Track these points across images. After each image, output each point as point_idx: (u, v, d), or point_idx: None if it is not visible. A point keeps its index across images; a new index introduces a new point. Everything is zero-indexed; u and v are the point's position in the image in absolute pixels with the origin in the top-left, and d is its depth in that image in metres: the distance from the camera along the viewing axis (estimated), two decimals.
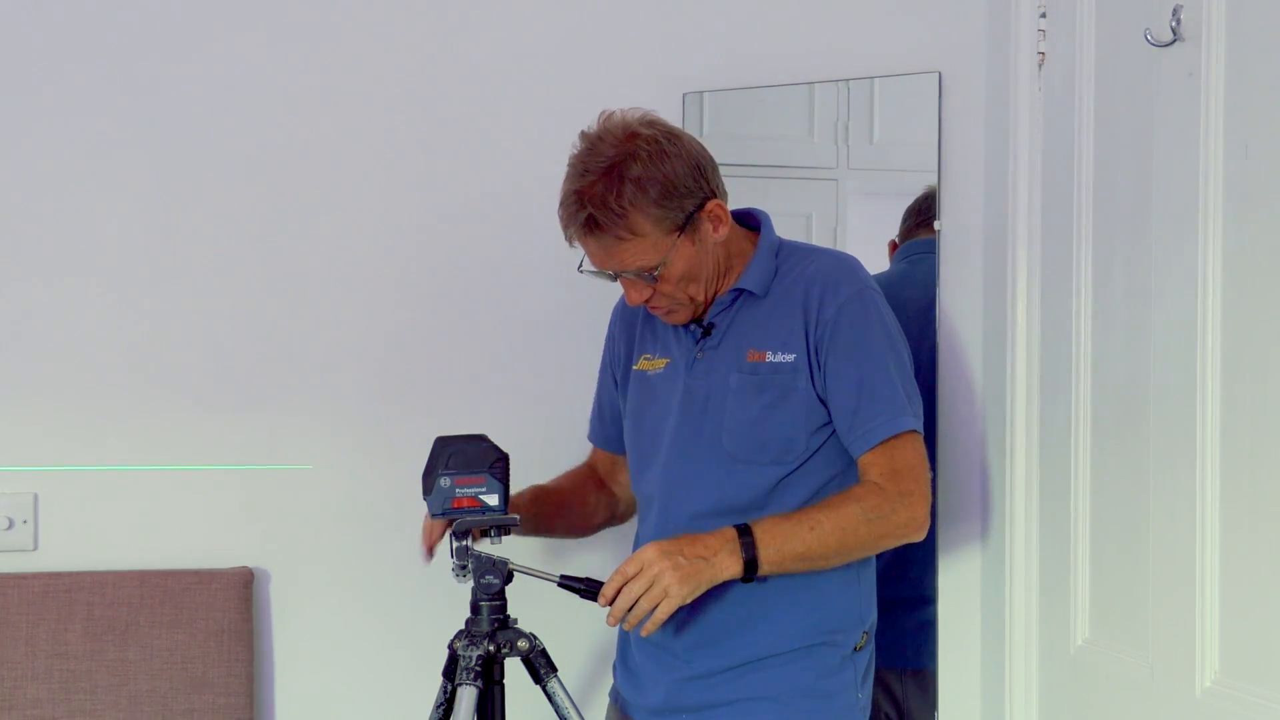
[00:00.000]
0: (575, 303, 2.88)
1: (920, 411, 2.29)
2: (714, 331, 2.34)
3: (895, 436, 2.24)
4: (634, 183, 2.20)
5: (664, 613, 2.15)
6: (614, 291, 2.59)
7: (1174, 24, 2.00)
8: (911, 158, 2.70)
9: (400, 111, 2.89)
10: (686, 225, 2.25)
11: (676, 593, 2.14)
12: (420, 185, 2.90)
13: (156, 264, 2.87)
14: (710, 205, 2.27)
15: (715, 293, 2.33)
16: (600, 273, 2.31)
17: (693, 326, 2.37)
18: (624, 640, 2.45)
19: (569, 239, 2.29)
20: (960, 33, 2.64)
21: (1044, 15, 2.43)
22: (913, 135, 2.69)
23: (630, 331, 2.50)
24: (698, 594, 2.17)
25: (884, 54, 2.70)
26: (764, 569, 2.17)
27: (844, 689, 2.30)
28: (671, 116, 2.50)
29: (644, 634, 2.20)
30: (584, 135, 2.27)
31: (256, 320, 2.88)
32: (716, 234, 2.29)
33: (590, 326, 2.83)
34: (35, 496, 2.84)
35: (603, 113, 2.29)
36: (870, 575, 2.36)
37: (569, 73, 2.88)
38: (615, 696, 2.49)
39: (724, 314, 2.34)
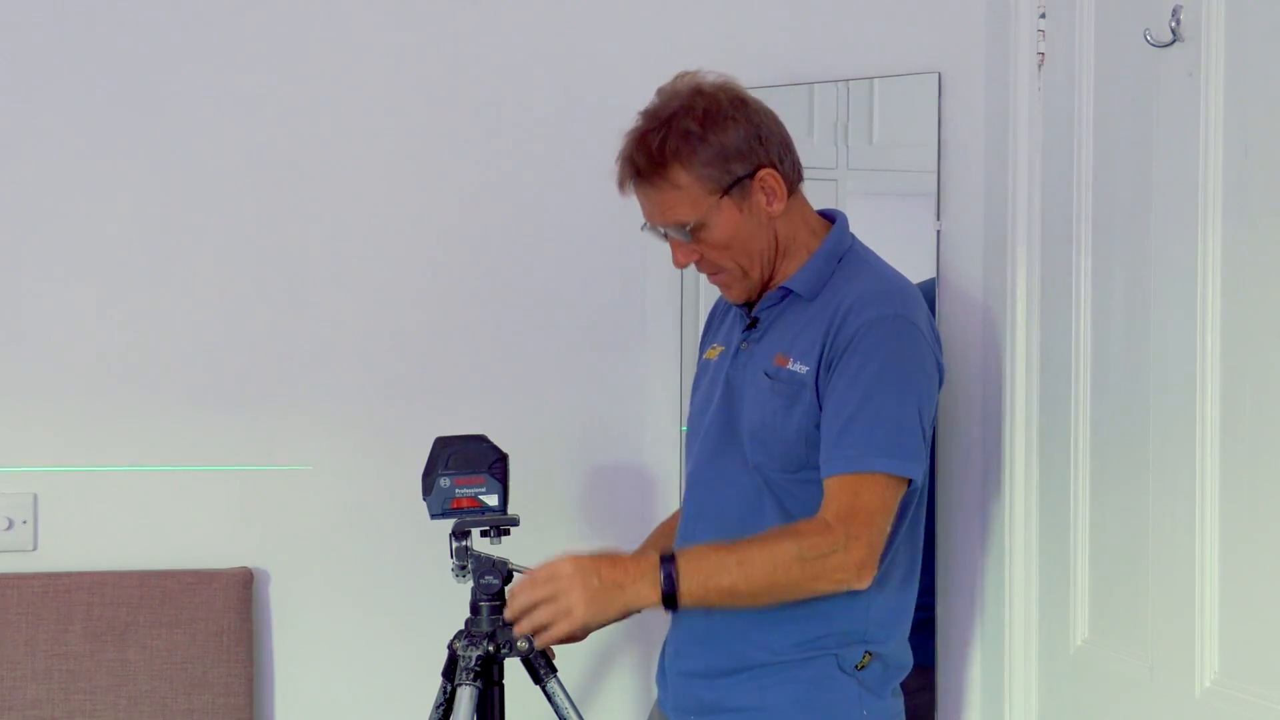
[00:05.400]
0: (576, 303, 2.89)
1: (914, 458, 2.14)
2: (758, 326, 2.29)
3: (863, 475, 2.11)
4: (682, 135, 2.18)
5: (560, 631, 2.09)
6: (627, 291, 2.59)
7: (1174, 24, 2.00)
8: (911, 158, 2.69)
9: (400, 111, 2.89)
10: (733, 189, 2.20)
11: (579, 615, 2.07)
12: (420, 185, 2.90)
13: (156, 264, 2.87)
14: (763, 174, 2.21)
15: (771, 273, 2.27)
16: (652, 228, 2.27)
17: (745, 316, 2.33)
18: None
19: (621, 186, 2.26)
20: (960, 33, 2.63)
21: (1044, 15, 2.43)
22: (913, 135, 2.68)
23: (710, 330, 2.47)
24: (605, 621, 2.10)
25: (884, 54, 2.70)
26: (684, 602, 2.07)
27: (843, 705, 2.21)
28: None
29: (538, 645, 2.16)
30: (658, 91, 2.25)
31: (256, 321, 2.88)
32: (770, 207, 2.23)
33: (590, 327, 2.84)
34: (35, 497, 2.84)
35: (682, 72, 2.26)
36: (887, 599, 2.24)
37: (569, 73, 2.88)
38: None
39: (770, 310, 2.29)
